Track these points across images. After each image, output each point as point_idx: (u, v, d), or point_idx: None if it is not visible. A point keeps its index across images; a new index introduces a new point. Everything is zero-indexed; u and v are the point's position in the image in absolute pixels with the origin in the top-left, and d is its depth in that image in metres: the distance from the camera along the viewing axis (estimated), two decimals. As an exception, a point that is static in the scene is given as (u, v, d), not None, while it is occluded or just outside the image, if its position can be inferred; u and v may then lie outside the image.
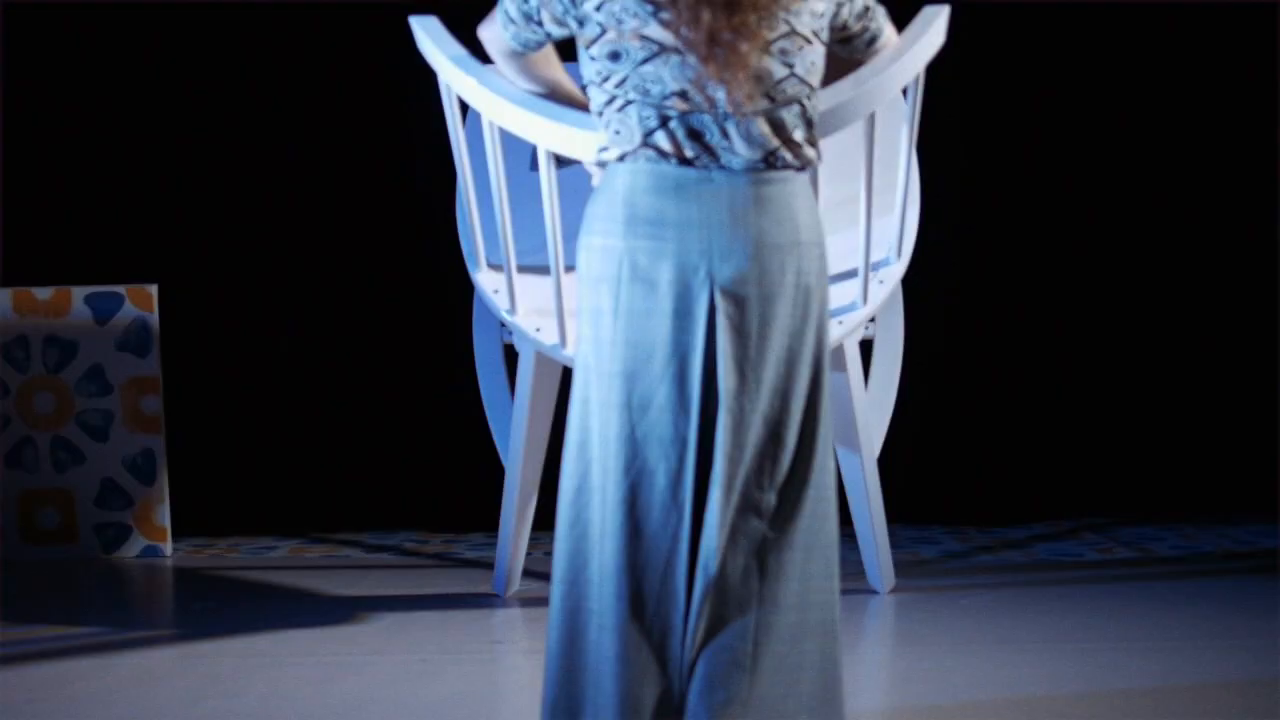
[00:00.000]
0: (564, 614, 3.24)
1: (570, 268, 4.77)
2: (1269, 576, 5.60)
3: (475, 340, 5.76)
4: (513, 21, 3.39)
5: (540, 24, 3.34)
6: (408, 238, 6.65)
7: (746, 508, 3.19)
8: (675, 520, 3.18)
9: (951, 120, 5.97)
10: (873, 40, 3.57)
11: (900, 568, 5.62)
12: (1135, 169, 6.75)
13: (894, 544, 5.62)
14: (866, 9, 3.49)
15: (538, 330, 4.98)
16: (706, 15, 3.14)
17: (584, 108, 3.65)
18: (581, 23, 3.24)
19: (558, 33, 3.35)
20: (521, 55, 3.52)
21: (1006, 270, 6.76)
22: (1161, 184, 6.75)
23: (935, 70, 4.71)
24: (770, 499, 3.21)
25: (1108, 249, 6.77)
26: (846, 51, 3.56)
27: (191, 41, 6.74)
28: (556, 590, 3.26)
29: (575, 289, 3.33)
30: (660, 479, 3.18)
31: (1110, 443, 6.77)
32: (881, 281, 5.04)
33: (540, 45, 3.46)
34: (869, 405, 5.42)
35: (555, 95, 3.74)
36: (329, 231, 6.79)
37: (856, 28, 3.49)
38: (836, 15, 3.38)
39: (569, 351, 4.89)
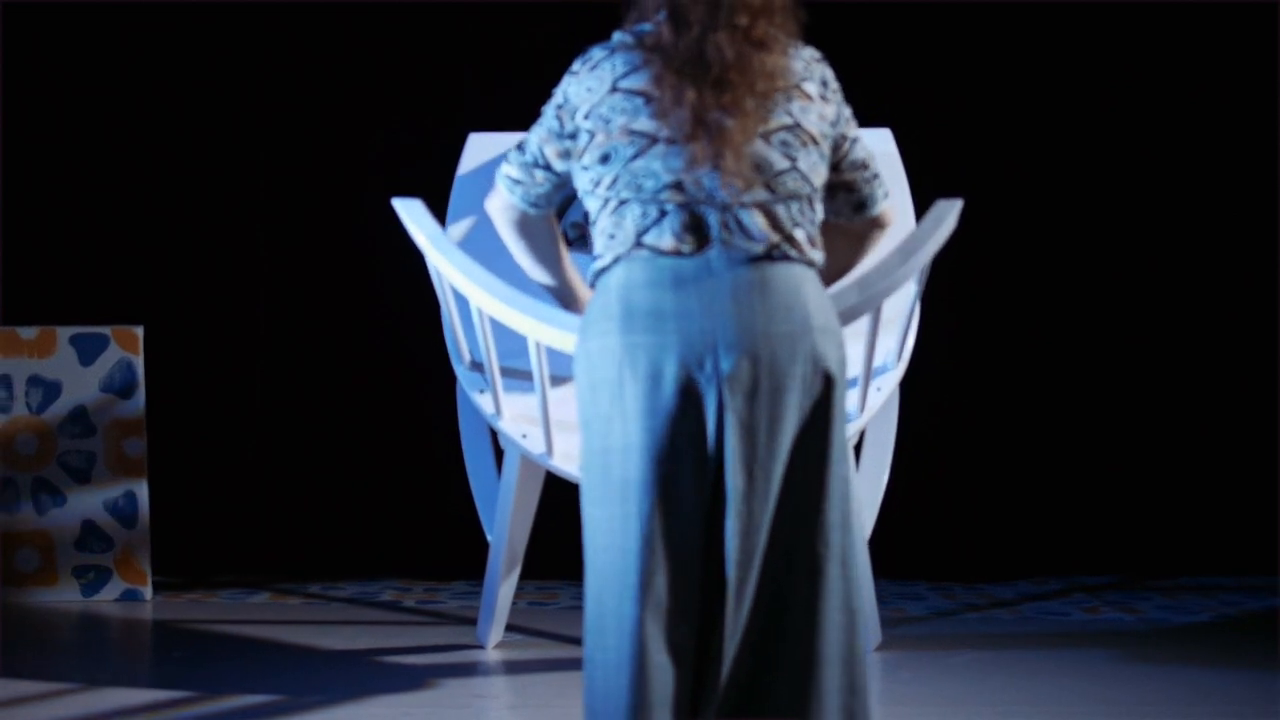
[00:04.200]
0: None
1: (557, 379, 4.73)
2: (1262, 640, 5.55)
3: (460, 416, 5.70)
4: (518, 183, 3.28)
5: (547, 167, 3.23)
6: (394, 286, 6.60)
7: (765, 618, 3.02)
8: (687, 634, 2.99)
9: (926, 141, 5.95)
10: (861, 207, 3.30)
11: (886, 624, 5.57)
12: (1124, 182, 6.71)
13: (879, 600, 5.56)
14: (866, 165, 3.26)
15: (524, 437, 4.92)
16: (691, 93, 3.03)
17: (579, 300, 3.48)
18: (574, 136, 3.14)
19: (563, 168, 3.22)
20: (532, 220, 3.34)
21: (992, 327, 6.72)
22: (1149, 194, 6.71)
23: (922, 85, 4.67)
24: (795, 612, 3.02)
25: (1091, 307, 6.74)
26: (830, 208, 3.28)
27: (179, 87, 6.72)
28: (588, 695, 3.04)
29: (572, 399, 3.13)
30: (672, 588, 2.98)
31: (1100, 501, 6.72)
32: (879, 389, 5.01)
33: (550, 200, 3.30)
34: (861, 486, 5.38)
35: (558, 280, 3.46)
36: (316, 277, 6.76)
37: (848, 176, 3.25)
38: (838, 146, 3.20)
39: (556, 462, 4.83)
